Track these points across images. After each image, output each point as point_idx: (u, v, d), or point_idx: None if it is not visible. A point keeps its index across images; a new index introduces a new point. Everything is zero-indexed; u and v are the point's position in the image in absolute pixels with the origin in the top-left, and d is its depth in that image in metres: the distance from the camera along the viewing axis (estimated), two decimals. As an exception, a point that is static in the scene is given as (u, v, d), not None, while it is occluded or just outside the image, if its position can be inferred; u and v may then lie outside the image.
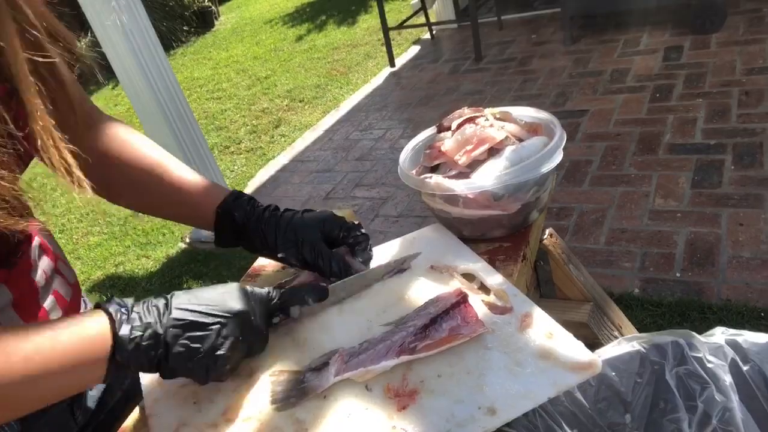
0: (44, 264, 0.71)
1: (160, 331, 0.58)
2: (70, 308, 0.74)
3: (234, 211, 0.77)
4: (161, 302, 0.60)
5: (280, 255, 0.77)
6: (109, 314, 0.58)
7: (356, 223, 0.80)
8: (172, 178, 0.79)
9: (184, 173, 0.80)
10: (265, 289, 0.69)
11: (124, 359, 0.57)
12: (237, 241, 0.80)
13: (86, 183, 0.60)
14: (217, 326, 0.60)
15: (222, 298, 0.62)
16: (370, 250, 0.80)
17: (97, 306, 0.59)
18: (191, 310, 0.60)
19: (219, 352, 0.60)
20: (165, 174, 0.78)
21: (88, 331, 0.56)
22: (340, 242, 0.78)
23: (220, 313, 0.61)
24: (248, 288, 0.67)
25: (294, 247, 0.76)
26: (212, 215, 0.79)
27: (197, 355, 0.59)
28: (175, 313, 0.59)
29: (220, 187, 0.81)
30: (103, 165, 0.76)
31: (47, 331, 0.54)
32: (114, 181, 0.78)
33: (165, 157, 0.80)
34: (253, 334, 0.64)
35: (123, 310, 0.58)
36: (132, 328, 0.57)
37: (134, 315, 0.58)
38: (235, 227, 0.78)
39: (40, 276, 0.69)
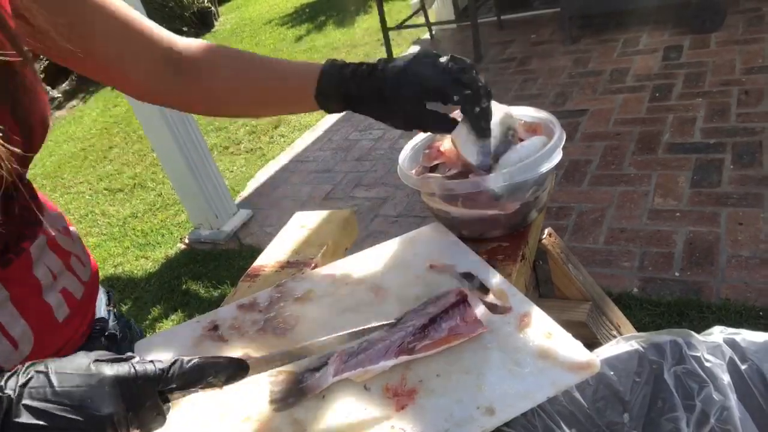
0: (50, 261, 0.71)
1: None
2: (81, 306, 0.74)
3: (343, 68, 0.75)
4: (9, 387, 0.47)
5: (406, 107, 0.73)
6: None
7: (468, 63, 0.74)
8: (269, 59, 0.79)
9: (280, 60, 0.80)
10: (158, 371, 0.51)
11: None
12: (346, 102, 0.76)
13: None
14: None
15: (87, 395, 0.47)
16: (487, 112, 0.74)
17: None
18: (42, 411, 0.46)
19: None
20: (260, 58, 0.79)
21: None
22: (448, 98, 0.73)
23: (80, 417, 0.47)
24: (131, 375, 0.50)
25: (417, 91, 0.72)
26: (314, 80, 0.76)
27: None
28: (22, 416, 0.45)
29: (311, 63, 0.79)
30: (200, 63, 0.78)
31: None
32: (208, 77, 0.78)
33: (254, 53, 0.81)
34: (137, 423, 0.50)
35: None
36: None
37: None
38: (345, 85, 0.74)
39: (43, 273, 0.69)
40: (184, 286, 2.81)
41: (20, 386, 0.47)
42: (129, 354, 0.53)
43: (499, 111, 0.81)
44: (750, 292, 1.85)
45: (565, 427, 0.62)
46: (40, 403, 0.46)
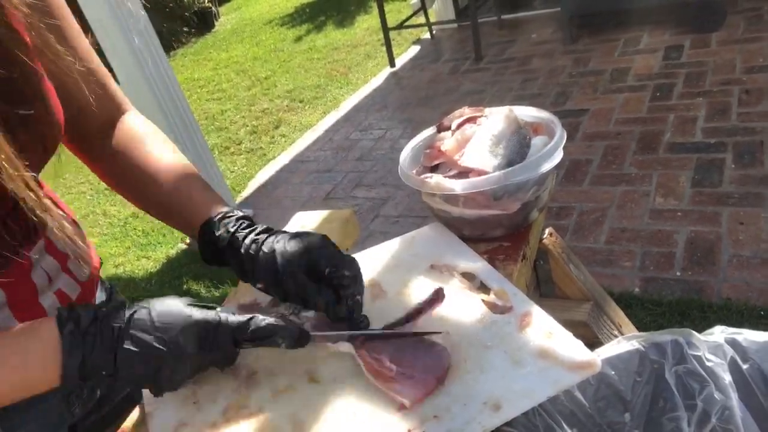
0: (47, 264, 0.71)
1: (110, 358, 0.57)
2: None
3: (216, 230, 0.70)
4: (120, 320, 0.59)
5: (258, 286, 0.69)
6: (61, 333, 0.57)
7: (350, 257, 0.69)
8: (170, 187, 0.75)
9: (184, 182, 0.76)
10: (236, 322, 0.61)
11: (71, 382, 0.57)
12: (221, 262, 0.72)
13: (51, 205, 0.61)
14: (166, 360, 0.58)
15: (179, 332, 0.59)
16: (359, 300, 0.67)
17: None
18: (144, 341, 0.58)
19: (169, 378, 0.60)
20: (165, 183, 0.75)
21: (44, 348, 0.57)
22: (326, 279, 0.67)
23: (172, 348, 0.58)
24: (214, 322, 0.60)
25: (272, 276, 0.66)
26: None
27: (145, 379, 0.59)
28: (128, 341, 0.58)
29: (215, 201, 0.74)
30: (115, 163, 0.78)
31: None
32: (121, 181, 0.79)
33: (170, 162, 0.77)
34: (211, 361, 0.63)
35: (77, 332, 0.57)
36: (83, 359, 0.57)
37: (89, 339, 0.57)
38: (216, 248, 0.71)
39: (40, 276, 0.69)
40: (185, 286, 2.81)
41: (128, 317, 0.58)
42: (213, 304, 0.63)
43: (511, 122, 0.82)
44: (751, 291, 1.85)
45: (566, 427, 0.62)
46: (142, 334, 0.58)
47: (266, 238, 0.69)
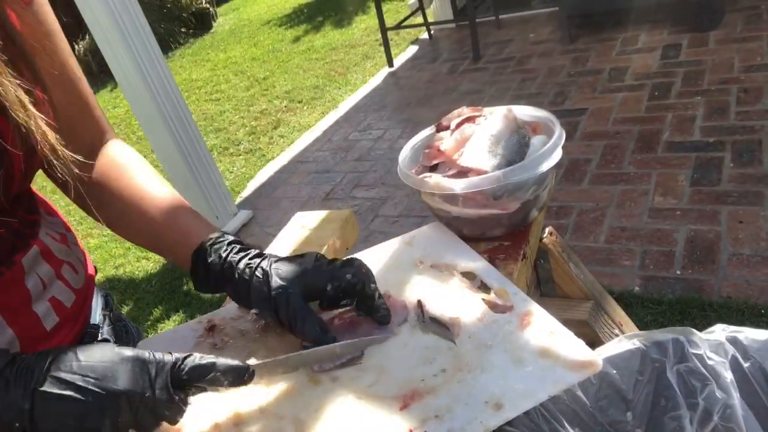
0: (42, 271, 0.70)
1: (25, 406, 0.49)
2: (71, 314, 0.73)
3: (208, 256, 0.69)
4: (40, 363, 0.52)
5: (253, 311, 0.69)
6: None
7: (348, 259, 0.69)
8: (157, 216, 0.73)
9: (171, 211, 0.74)
10: (172, 360, 0.55)
11: None
12: (215, 287, 0.71)
13: (69, 155, 0.60)
14: (94, 405, 0.51)
15: (108, 370, 0.52)
16: (382, 307, 0.68)
17: None
18: (67, 382, 0.51)
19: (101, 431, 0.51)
20: (151, 211, 0.73)
21: None
22: (328, 299, 0.67)
23: (99, 390, 0.51)
24: (148, 359, 0.54)
25: (267, 302, 0.65)
26: (189, 259, 0.71)
27: None
28: (48, 384, 0.50)
29: (203, 227, 0.73)
30: (98, 189, 0.75)
31: None
32: (104, 207, 0.76)
33: (156, 191, 0.75)
34: (152, 410, 0.54)
35: None
36: None
37: (1, 383, 0.50)
38: (209, 274, 0.70)
39: (34, 283, 0.68)
40: (185, 287, 2.80)
41: (50, 360, 0.52)
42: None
43: (510, 122, 0.82)
44: (751, 289, 1.85)
45: (567, 426, 0.62)
46: (67, 375, 0.51)
47: (260, 263, 0.67)
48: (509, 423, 0.57)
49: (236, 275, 0.67)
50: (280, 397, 0.65)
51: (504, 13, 4.84)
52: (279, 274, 0.66)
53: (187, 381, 0.55)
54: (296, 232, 1.00)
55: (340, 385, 0.64)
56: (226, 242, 0.70)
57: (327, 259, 0.69)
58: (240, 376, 0.57)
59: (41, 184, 0.86)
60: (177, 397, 0.55)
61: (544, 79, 3.69)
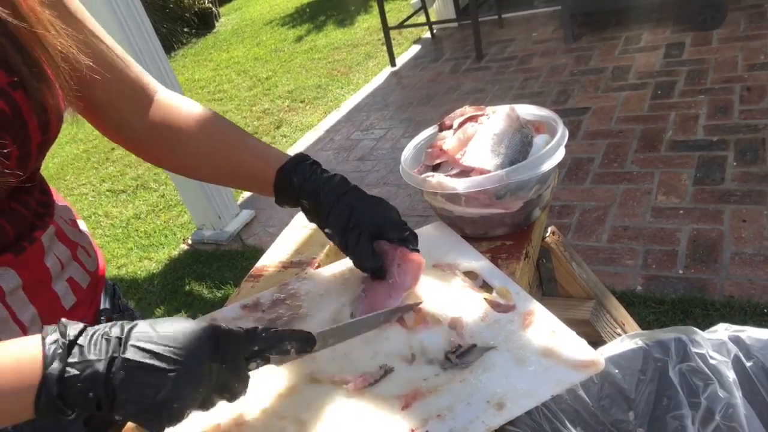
0: (59, 251, 0.72)
1: (101, 369, 0.48)
2: (87, 295, 0.76)
3: (293, 175, 0.75)
4: (115, 332, 0.51)
5: (327, 231, 0.75)
6: (43, 345, 0.49)
7: (411, 231, 0.77)
8: (235, 147, 0.79)
9: (247, 142, 0.80)
10: (243, 330, 0.57)
11: (48, 401, 0.48)
12: (296, 201, 0.77)
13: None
14: (176, 374, 0.50)
15: (187, 340, 0.52)
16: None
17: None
18: (149, 351, 0.50)
19: (175, 405, 0.51)
20: (227, 143, 0.79)
21: (23, 356, 0.49)
22: (389, 240, 0.75)
23: (182, 359, 0.51)
24: (222, 329, 0.56)
25: (342, 229, 0.73)
26: (272, 178, 0.76)
27: (147, 406, 0.50)
28: (130, 352, 0.50)
29: (281, 153, 0.79)
30: (162, 136, 0.79)
31: None
32: (177, 151, 0.80)
33: (227, 127, 0.80)
34: (222, 383, 0.54)
35: (61, 341, 0.49)
36: (65, 366, 0.48)
37: (75, 349, 0.49)
38: (292, 192, 0.76)
39: (53, 262, 0.70)
40: (187, 287, 2.81)
41: (127, 330, 0.51)
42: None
43: (513, 121, 0.82)
44: (754, 289, 1.85)
45: (570, 426, 0.62)
46: (147, 344, 0.50)
47: (347, 191, 0.74)
48: (511, 422, 0.57)
49: (321, 197, 0.74)
50: (281, 397, 0.65)
51: (506, 12, 4.84)
52: (360, 212, 0.73)
53: (257, 352, 0.57)
54: (298, 232, 1.00)
55: (341, 385, 0.64)
56: (308, 163, 0.76)
57: (398, 214, 0.77)
58: (305, 343, 0.60)
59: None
60: (248, 376, 0.57)
61: (546, 78, 3.69)
